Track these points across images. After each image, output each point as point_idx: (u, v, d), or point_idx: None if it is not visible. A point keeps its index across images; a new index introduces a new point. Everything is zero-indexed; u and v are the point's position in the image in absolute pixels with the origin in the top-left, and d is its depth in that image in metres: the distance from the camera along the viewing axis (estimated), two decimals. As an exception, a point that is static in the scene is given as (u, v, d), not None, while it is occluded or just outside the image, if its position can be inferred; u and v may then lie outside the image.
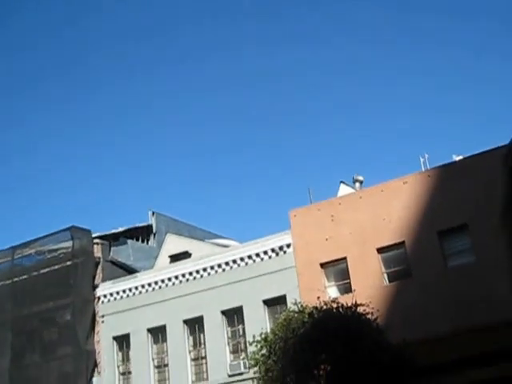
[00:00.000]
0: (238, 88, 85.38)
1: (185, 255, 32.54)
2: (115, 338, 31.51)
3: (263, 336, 23.18)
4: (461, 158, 28.00)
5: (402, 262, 25.66)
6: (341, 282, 26.59)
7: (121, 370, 31.49)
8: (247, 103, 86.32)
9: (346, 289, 25.96)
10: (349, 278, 26.05)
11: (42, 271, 32.24)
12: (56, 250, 32.26)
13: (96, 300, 32.05)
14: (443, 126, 75.46)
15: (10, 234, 75.54)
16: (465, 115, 77.60)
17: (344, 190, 31.17)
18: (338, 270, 26.83)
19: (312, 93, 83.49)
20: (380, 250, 26.04)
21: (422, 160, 30.48)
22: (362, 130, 79.65)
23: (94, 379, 30.86)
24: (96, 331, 31.65)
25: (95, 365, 31.19)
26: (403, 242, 25.61)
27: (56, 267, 31.86)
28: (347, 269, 26.28)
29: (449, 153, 39.35)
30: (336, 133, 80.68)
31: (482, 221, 23.79)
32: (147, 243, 38.30)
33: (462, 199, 24.72)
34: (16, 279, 32.91)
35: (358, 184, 32.58)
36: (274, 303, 27.45)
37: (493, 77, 75.29)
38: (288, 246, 27.75)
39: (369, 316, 21.78)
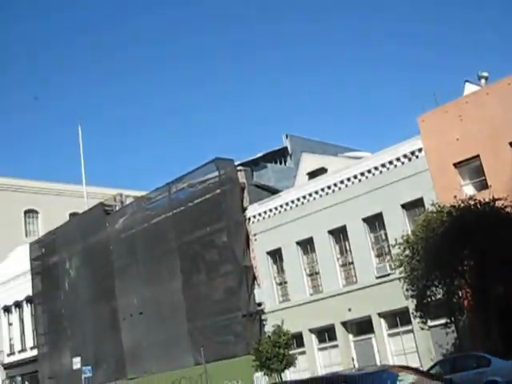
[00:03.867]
0: None
1: (321, 171, 32.26)
2: (268, 253, 32.10)
3: (405, 238, 22.88)
4: None
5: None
6: (476, 180, 25.33)
7: (277, 281, 32.16)
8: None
9: (482, 186, 24.71)
10: (484, 175, 24.72)
11: (196, 201, 33.15)
12: (205, 181, 32.95)
13: (247, 221, 32.61)
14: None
15: (164, 172, 78.67)
16: None
17: (470, 88, 29.20)
18: (471, 168, 25.54)
19: None
20: (513, 144, 24.32)
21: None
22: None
23: (255, 291, 31.71)
24: (251, 249, 32.37)
25: (254, 278, 32.01)
26: (536, 133, 23.75)
27: (207, 196, 32.60)
28: (481, 166, 24.91)
29: None
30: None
31: None
32: (285, 164, 38.35)
33: None
34: (175, 211, 34.09)
35: (483, 81, 30.40)
36: (412, 206, 26.70)
37: None
38: (419, 150, 26.67)
39: (507, 210, 20.69)
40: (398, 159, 27.32)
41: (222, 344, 30.98)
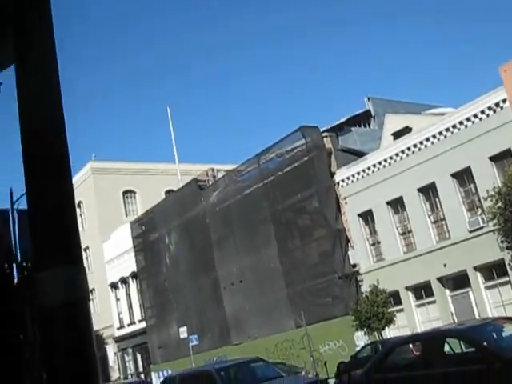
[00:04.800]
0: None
1: (406, 130, 32.24)
2: (360, 215, 32.54)
3: (496, 190, 22.76)
4: None
5: None
6: None
7: (370, 242, 32.59)
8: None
9: None
10: None
11: (285, 170, 33.90)
12: (292, 149, 33.63)
13: (336, 185, 33.08)
14: None
15: (252, 144, 79.90)
16: None
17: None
18: (560, 115, 24.96)
19: None
20: None
21: None
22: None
23: (349, 253, 32.25)
24: (342, 212, 32.83)
25: (347, 241, 32.52)
26: None
27: (295, 164, 33.28)
28: None
29: None
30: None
31: None
32: (369, 127, 38.43)
33: None
34: (265, 181, 35.00)
35: None
36: (501, 158, 26.45)
37: None
38: (504, 101, 26.26)
39: None
40: (482, 112, 27.05)
41: (321, 306, 31.81)
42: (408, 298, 30.71)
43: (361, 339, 30.31)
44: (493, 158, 26.74)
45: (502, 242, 22.93)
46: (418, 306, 30.66)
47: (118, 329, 50.76)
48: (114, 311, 51.28)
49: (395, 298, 30.55)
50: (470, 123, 27.54)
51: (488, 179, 25.75)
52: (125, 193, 56.11)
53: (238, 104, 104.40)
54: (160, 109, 61.08)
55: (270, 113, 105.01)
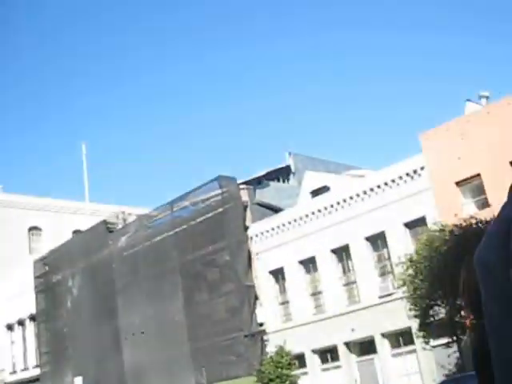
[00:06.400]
0: None
1: (324, 189, 32.05)
2: (271, 272, 31.92)
3: (408, 257, 22.76)
4: None
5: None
6: (477, 199, 25.24)
7: (280, 301, 31.92)
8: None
9: (483, 204, 24.60)
10: (485, 194, 24.53)
11: (198, 220, 32.96)
12: (207, 199, 32.80)
13: (249, 240, 32.37)
14: None
15: (167, 187, 78.73)
16: None
17: (471, 107, 29.11)
18: (473, 186, 25.49)
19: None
20: (514, 163, 24.19)
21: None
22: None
23: (257, 311, 31.39)
24: (253, 268, 32.07)
25: (256, 298, 31.68)
26: (537, 153, 23.65)
27: (210, 215, 32.43)
28: (482, 185, 24.76)
29: None
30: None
31: None
32: (288, 183, 38.21)
33: None
34: (177, 230, 33.88)
35: (484, 100, 30.34)
36: (415, 225, 26.50)
37: None
38: (421, 168, 26.52)
39: (509, 229, 20.41)
40: (400, 177, 27.19)
41: (224, 364, 30.64)
42: (313, 362, 29.96)
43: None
44: (407, 225, 26.81)
45: (410, 309, 22.67)
46: (324, 370, 29.94)
47: (11, 374, 47.59)
48: (7, 354, 48.15)
49: (301, 360, 29.80)
50: (387, 188, 27.58)
51: (401, 245, 25.72)
52: (30, 229, 53.64)
53: (155, 148, 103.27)
54: (73, 146, 59.27)
55: (187, 159, 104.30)
